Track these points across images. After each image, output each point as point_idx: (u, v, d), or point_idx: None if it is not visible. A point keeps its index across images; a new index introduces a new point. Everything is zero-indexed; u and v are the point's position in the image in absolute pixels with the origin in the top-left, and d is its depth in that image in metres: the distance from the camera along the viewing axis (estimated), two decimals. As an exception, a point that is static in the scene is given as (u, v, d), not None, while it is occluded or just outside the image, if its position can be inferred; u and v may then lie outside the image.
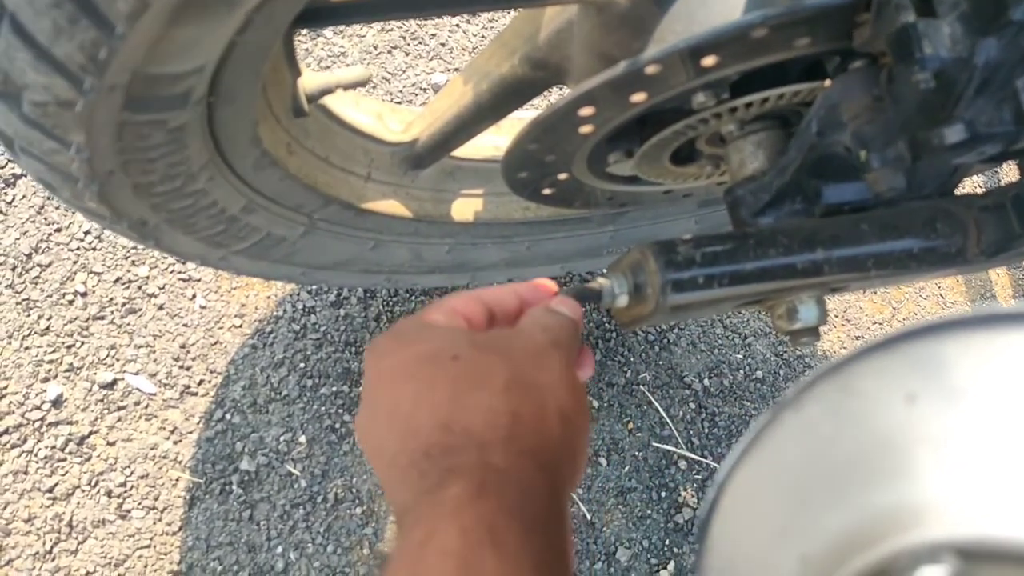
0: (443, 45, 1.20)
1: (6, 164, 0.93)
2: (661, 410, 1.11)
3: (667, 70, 0.52)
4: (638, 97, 0.54)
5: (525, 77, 0.68)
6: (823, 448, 0.24)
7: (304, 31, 1.07)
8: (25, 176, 0.94)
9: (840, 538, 0.23)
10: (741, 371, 1.17)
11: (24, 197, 0.93)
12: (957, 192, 0.62)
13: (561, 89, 0.91)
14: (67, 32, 0.37)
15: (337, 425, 0.97)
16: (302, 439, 0.95)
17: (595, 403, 1.08)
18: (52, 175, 0.50)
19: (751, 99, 0.57)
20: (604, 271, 0.57)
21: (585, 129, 0.58)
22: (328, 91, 0.67)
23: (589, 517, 1.02)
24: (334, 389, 0.99)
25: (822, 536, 0.23)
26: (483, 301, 0.42)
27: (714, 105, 0.56)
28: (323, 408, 0.97)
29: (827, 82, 0.56)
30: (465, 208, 0.88)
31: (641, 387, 1.11)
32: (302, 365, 0.98)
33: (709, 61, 0.51)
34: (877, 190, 0.52)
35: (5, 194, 0.93)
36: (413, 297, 1.06)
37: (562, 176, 0.67)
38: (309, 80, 0.65)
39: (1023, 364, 0.22)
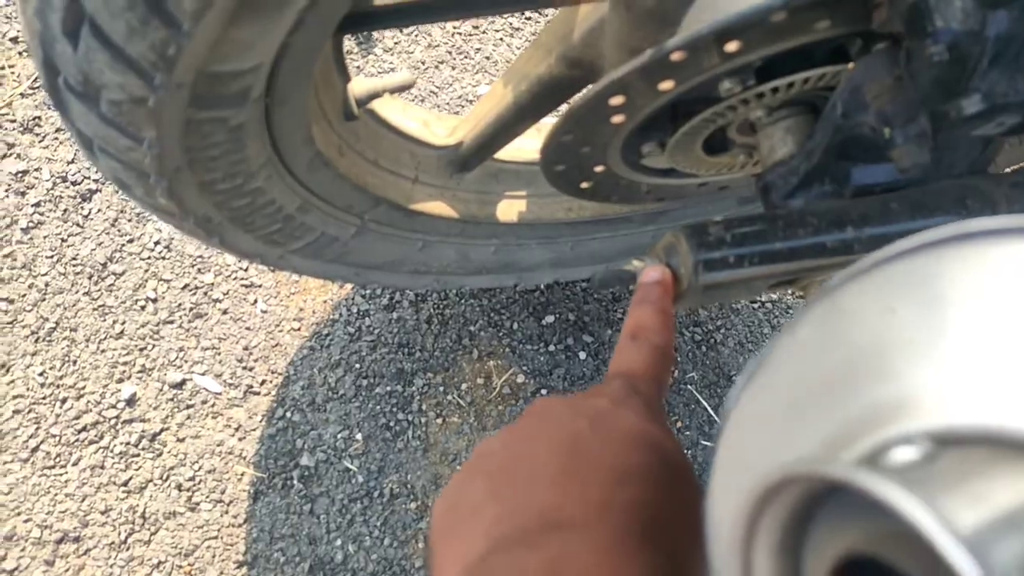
0: (488, 58, 1.25)
1: (82, 180, 1.00)
2: (709, 409, 1.11)
3: (692, 56, 0.54)
4: (666, 85, 0.57)
5: (562, 76, 0.71)
6: (811, 363, 0.27)
7: (352, 37, 1.13)
8: (100, 191, 1.01)
9: (827, 440, 0.25)
10: (790, 369, 1.17)
11: (99, 211, 1.00)
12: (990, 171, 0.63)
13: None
14: (140, 32, 0.41)
15: (392, 423, 1.01)
16: (358, 436, 0.99)
17: (643, 401, 1.10)
18: (126, 173, 0.55)
19: (777, 84, 0.59)
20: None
21: (617, 119, 0.61)
22: (376, 95, 0.71)
23: (639, 513, 1.03)
24: (388, 389, 1.02)
25: (812, 441, 0.25)
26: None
27: (740, 91, 0.59)
28: (378, 407, 1.01)
29: (850, 65, 0.58)
30: (509, 209, 0.92)
31: (689, 386, 1.13)
32: (357, 366, 1.02)
33: (732, 46, 0.54)
34: (902, 166, 0.54)
35: (82, 208, 0.99)
36: (463, 300, 1.09)
37: (598, 169, 0.70)
38: (358, 85, 0.70)
39: (994, 273, 0.24)
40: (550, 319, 1.12)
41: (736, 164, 0.73)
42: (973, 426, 0.22)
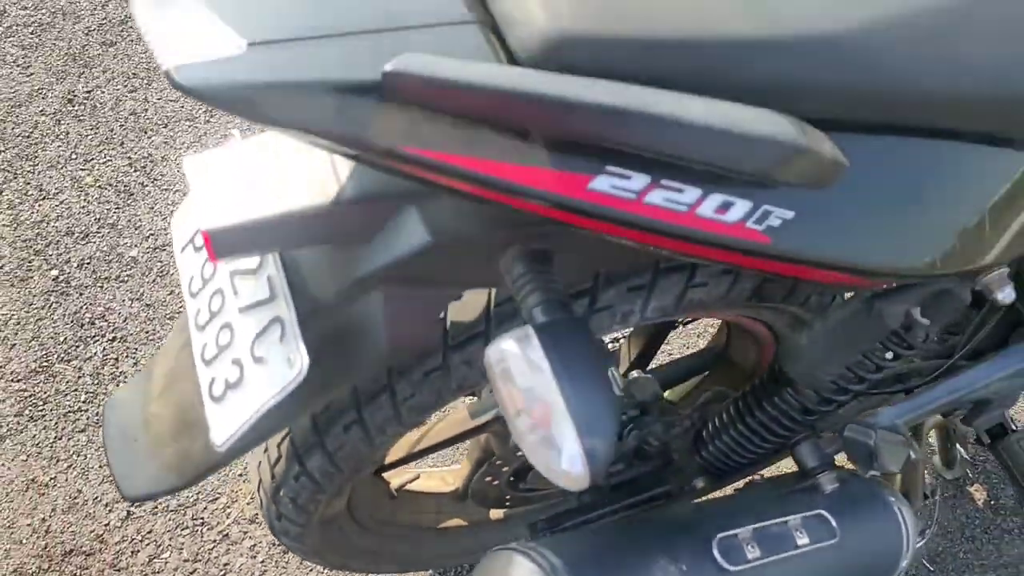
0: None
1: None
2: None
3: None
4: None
5: (479, 463, 1.52)
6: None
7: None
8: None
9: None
10: None
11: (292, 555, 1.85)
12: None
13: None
14: (300, 533, 1.25)
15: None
16: (448, 658, 1.72)
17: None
18: (303, 553, 1.38)
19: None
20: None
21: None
22: (405, 484, 1.53)
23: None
24: (461, 626, 1.76)
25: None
26: None
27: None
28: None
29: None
30: (498, 512, 1.69)
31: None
32: (442, 616, 1.78)
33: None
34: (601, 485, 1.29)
35: (285, 554, 1.84)
36: (497, 563, 1.85)
37: (506, 505, 1.48)
38: (393, 481, 1.52)
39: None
40: (552, 563, 1.85)
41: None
42: None
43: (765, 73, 0.67)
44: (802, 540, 1.16)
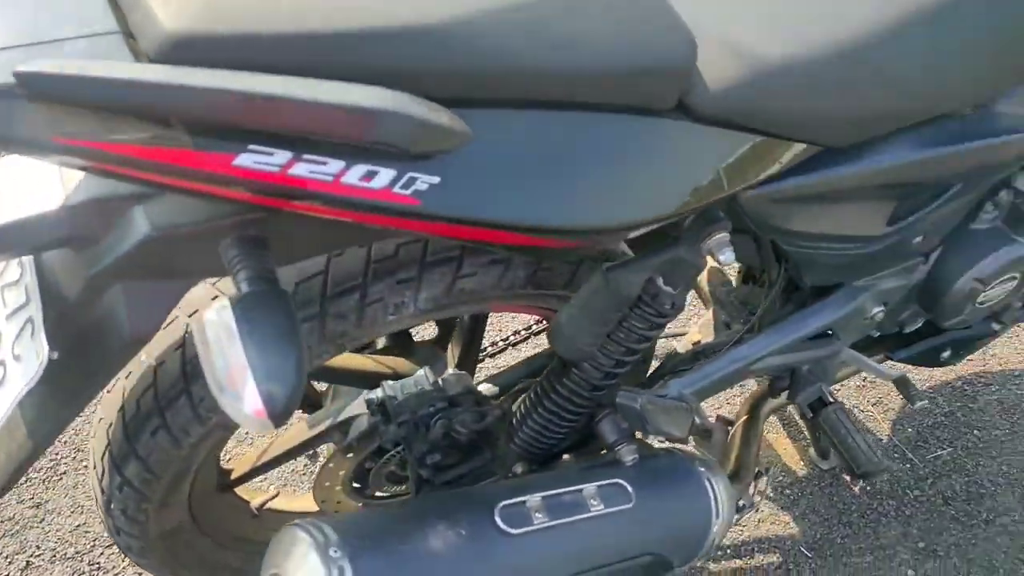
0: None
1: None
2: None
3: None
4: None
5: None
6: None
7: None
8: None
9: None
10: None
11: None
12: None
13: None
14: (138, 546, 1.32)
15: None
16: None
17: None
18: (141, 561, 1.45)
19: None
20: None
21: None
22: (266, 503, 1.61)
23: None
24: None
25: None
26: None
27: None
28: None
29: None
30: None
31: None
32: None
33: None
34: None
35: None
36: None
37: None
38: (253, 501, 1.60)
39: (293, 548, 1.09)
40: None
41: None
42: None
43: (381, 59, 0.79)
44: (596, 506, 1.23)
